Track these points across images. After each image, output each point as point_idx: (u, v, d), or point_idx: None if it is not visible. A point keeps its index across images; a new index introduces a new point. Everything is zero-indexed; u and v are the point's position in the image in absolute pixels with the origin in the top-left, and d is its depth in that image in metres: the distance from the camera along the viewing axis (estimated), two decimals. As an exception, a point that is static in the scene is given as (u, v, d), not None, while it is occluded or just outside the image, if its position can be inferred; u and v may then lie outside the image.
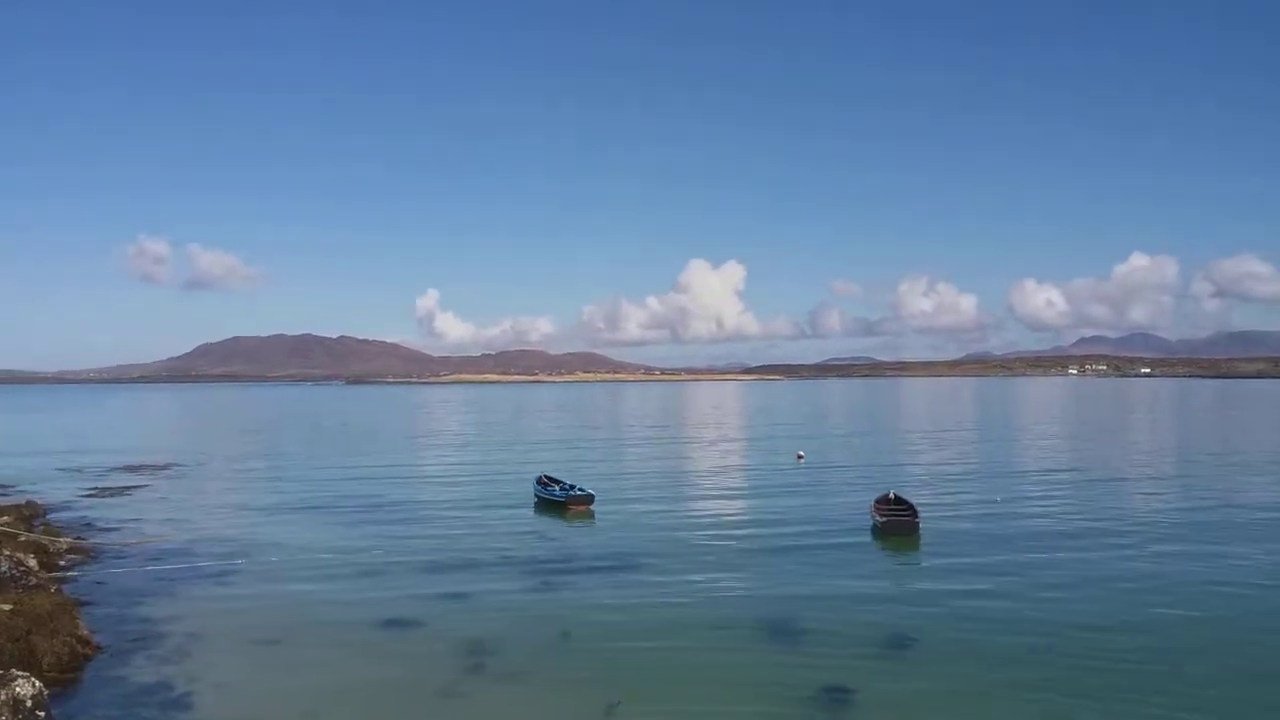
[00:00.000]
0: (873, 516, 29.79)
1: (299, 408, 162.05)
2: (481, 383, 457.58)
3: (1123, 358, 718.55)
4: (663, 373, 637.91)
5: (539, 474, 40.61)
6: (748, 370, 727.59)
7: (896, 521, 29.02)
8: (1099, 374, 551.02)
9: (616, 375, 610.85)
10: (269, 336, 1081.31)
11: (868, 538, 28.54)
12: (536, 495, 37.49)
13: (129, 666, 16.30)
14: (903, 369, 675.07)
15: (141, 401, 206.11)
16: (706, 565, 24.87)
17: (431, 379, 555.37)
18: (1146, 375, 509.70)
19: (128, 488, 42.00)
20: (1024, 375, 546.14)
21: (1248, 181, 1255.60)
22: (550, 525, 32.02)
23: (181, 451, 62.75)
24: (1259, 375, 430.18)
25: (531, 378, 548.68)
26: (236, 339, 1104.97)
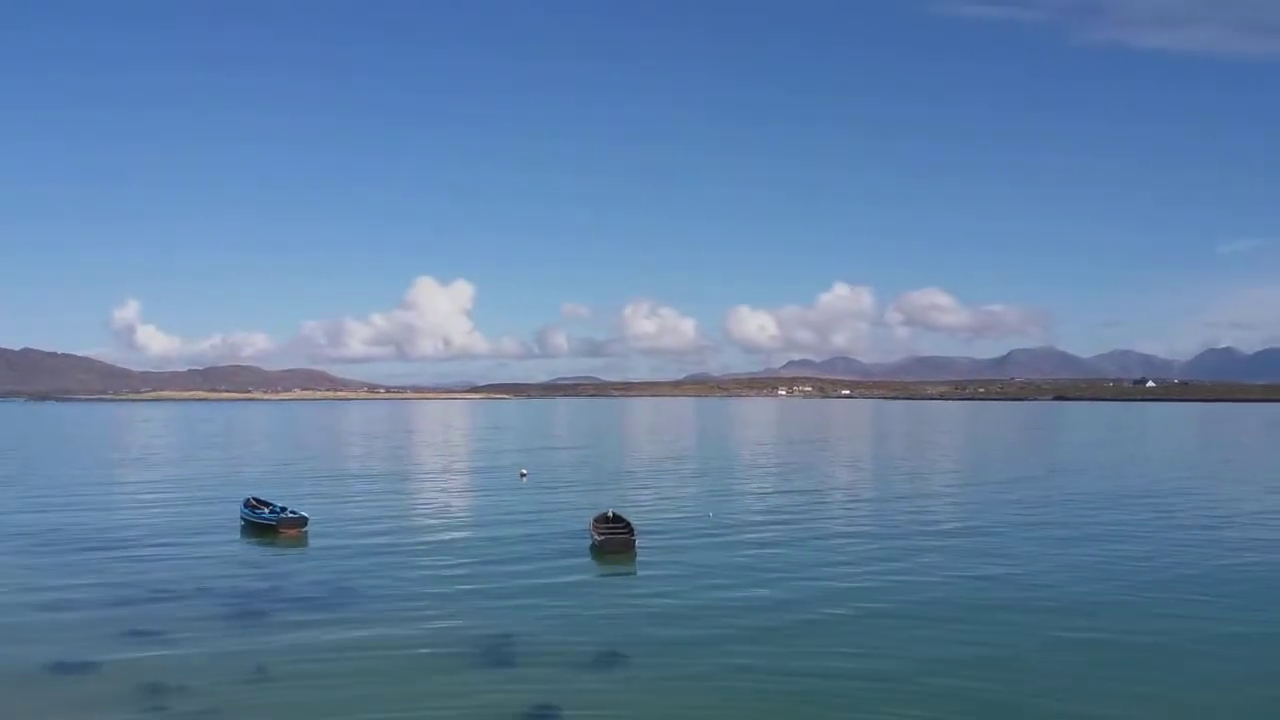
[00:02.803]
0: (591, 535, 30.14)
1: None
2: (188, 400, 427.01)
3: (826, 379, 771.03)
4: (388, 391, 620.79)
5: (247, 496, 38.30)
6: (475, 389, 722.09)
7: (614, 539, 29.51)
8: (805, 395, 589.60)
9: (338, 393, 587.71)
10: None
11: (586, 556, 28.82)
12: (244, 519, 35.32)
13: None
14: (627, 389, 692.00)
15: None
16: (422, 589, 24.21)
17: (131, 396, 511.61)
18: (847, 396, 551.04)
19: None
20: (739, 395, 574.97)
21: (935, 220, 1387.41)
22: (258, 551, 30.21)
23: None
24: (941, 397, 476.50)
25: (244, 395, 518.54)
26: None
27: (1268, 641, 19.48)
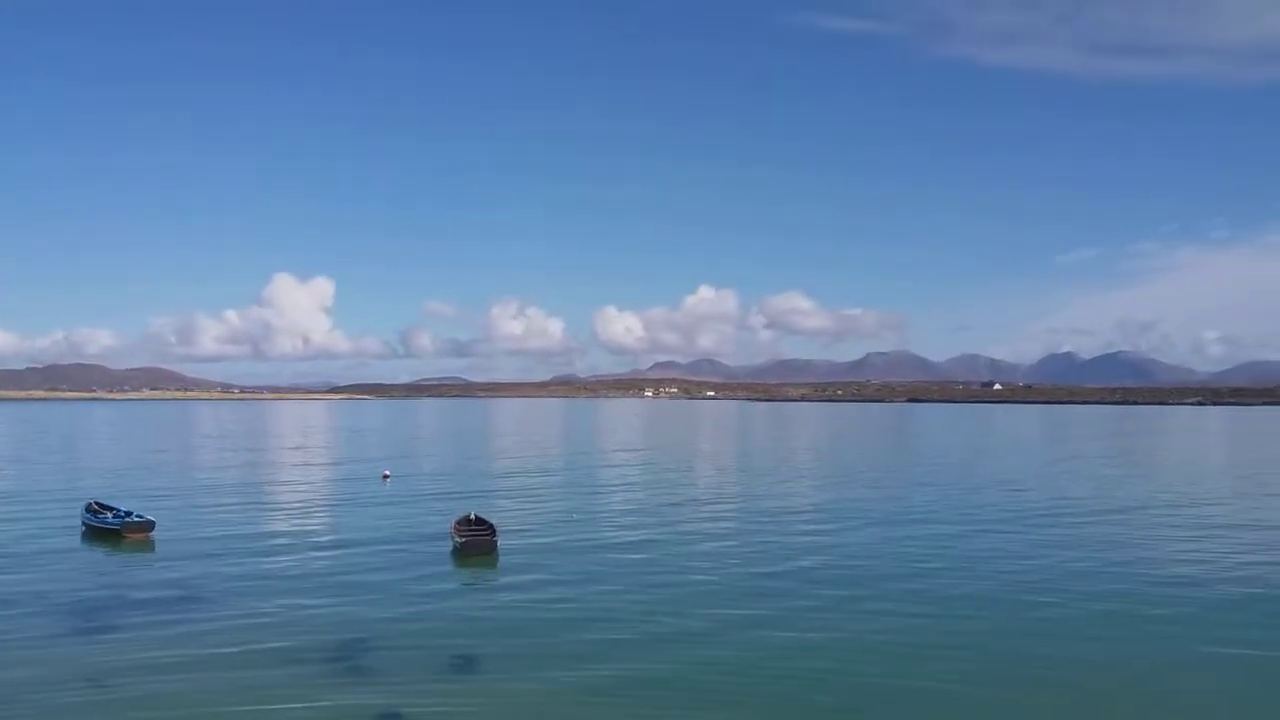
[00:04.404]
0: (453, 537, 29.94)
1: None
2: (26, 400, 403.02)
3: (691, 381, 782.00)
4: (242, 391, 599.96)
5: (89, 500, 36.61)
6: (335, 389, 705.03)
7: (474, 541, 29.40)
8: (671, 396, 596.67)
9: (189, 393, 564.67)
10: None
11: (447, 559, 28.62)
12: (85, 523, 33.79)
13: None
14: (493, 390, 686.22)
15: None
16: (275, 594, 23.59)
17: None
18: (711, 397, 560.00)
19: None
20: (606, 396, 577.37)
21: (796, 226, 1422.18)
22: (101, 558, 28.93)
23: None
24: (802, 398, 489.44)
25: (88, 395, 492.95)
26: None
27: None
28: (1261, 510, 41.20)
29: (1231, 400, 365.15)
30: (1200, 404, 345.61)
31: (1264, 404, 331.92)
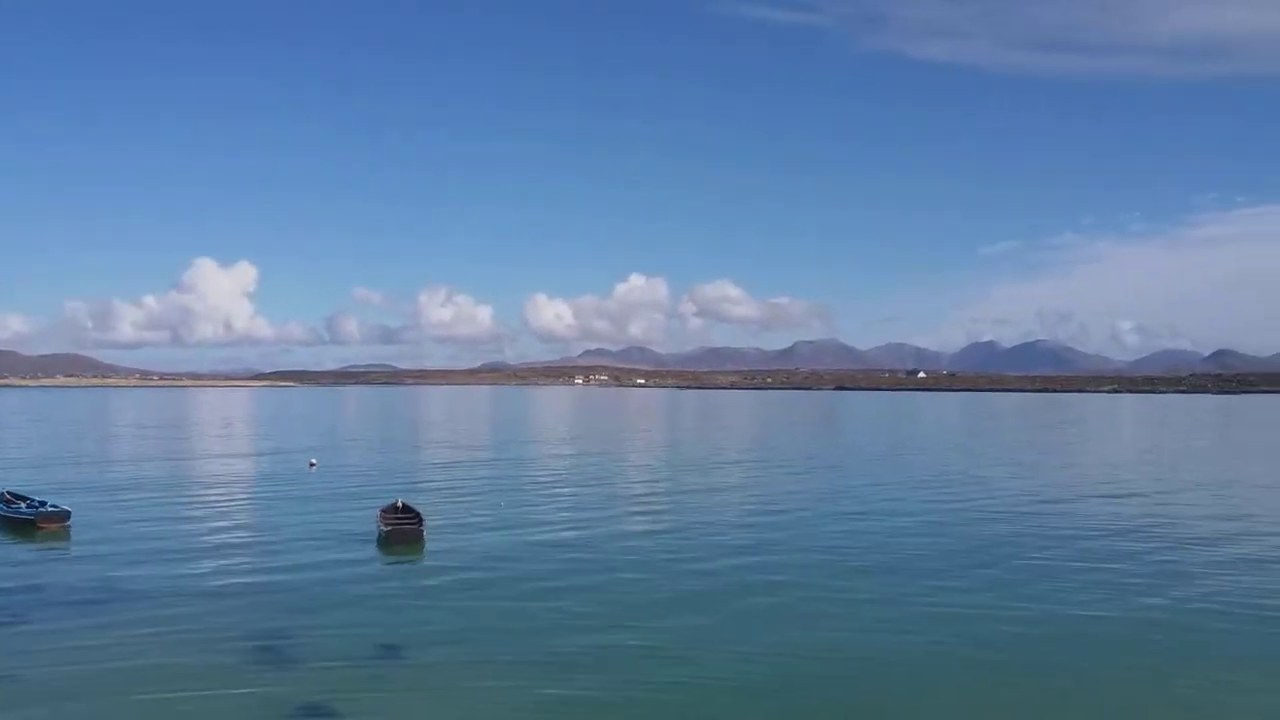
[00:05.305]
0: (378, 525, 29.80)
1: None
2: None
3: (622, 369, 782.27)
4: (161, 378, 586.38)
5: (1, 490, 35.63)
6: (259, 376, 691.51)
7: (400, 530, 29.30)
8: (601, 384, 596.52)
9: (106, 380, 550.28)
10: None
11: (373, 547, 28.47)
12: (-2, 515, 32.92)
13: None
14: (422, 377, 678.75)
15: None
16: (195, 585, 23.26)
17: None
18: (642, 385, 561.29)
19: None
20: (536, 384, 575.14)
21: (725, 214, 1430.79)
22: (13, 549, 28.20)
23: None
24: (732, 386, 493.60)
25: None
26: None
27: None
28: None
29: (1146, 389, 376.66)
30: (1115, 392, 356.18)
31: (1176, 393, 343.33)
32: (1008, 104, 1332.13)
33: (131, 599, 21.75)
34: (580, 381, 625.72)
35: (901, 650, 18.12)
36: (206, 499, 40.36)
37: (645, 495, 42.30)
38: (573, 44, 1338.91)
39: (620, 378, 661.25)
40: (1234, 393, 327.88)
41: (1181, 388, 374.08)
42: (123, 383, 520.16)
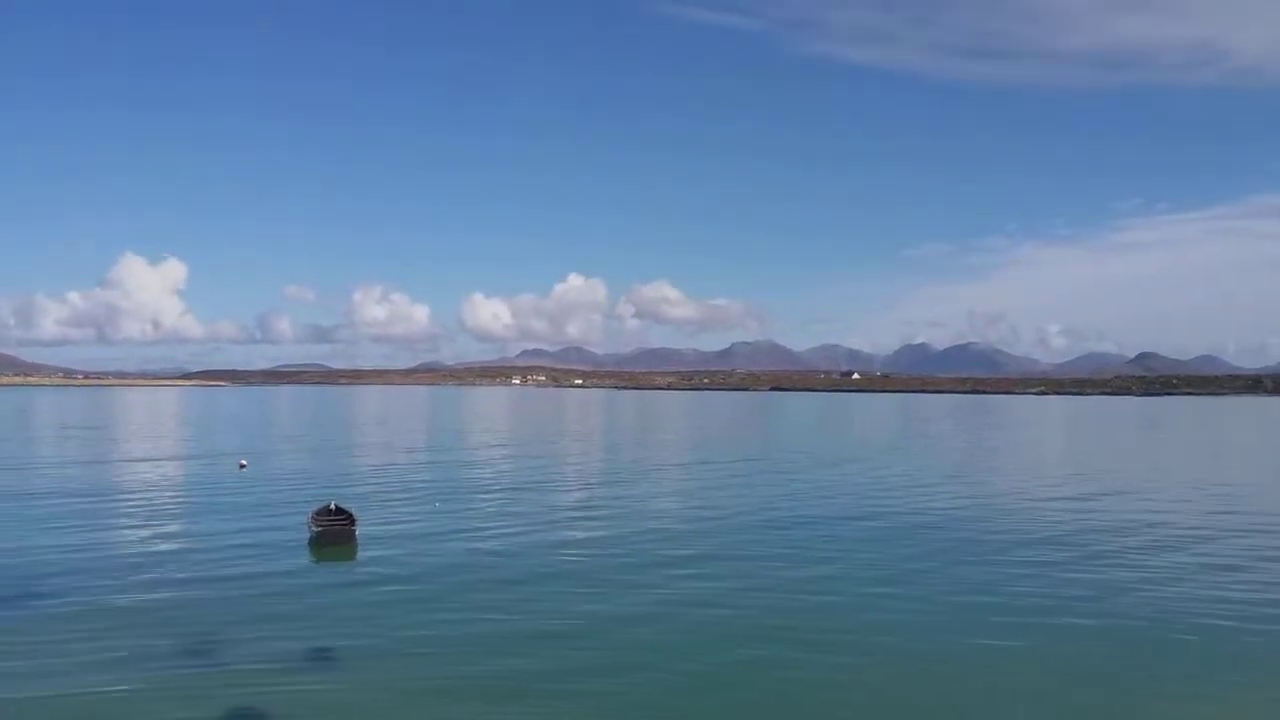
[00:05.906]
0: (309, 527, 29.36)
1: None
2: None
3: (560, 369, 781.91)
4: (86, 377, 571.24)
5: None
6: (188, 375, 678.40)
7: (331, 531, 28.93)
8: (539, 384, 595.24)
9: (27, 379, 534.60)
10: None
11: (304, 549, 28.03)
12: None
13: None
14: (357, 377, 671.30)
15: None
16: (119, 589, 22.65)
17: None
18: (579, 386, 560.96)
19: None
20: (473, 384, 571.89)
21: (663, 216, 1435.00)
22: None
23: None
24: (669, 387, 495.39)
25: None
26: None
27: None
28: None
29: (1073, 390, 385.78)
30: (1043, 394, 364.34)
31: (1102, 394, 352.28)
32: (935, 109, 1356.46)
33: (52, 601, 21.16)
34: (518, 382, 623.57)
35: (856, 667, 18.32)
36: (132, 500, 39.30)
37: (580, 495, 42.12)
38: (517, 42, 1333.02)
39: (558, 378, 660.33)
40: (1158, 394, 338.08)
41: (1107, 390, 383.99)
42: (45, 382, 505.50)
